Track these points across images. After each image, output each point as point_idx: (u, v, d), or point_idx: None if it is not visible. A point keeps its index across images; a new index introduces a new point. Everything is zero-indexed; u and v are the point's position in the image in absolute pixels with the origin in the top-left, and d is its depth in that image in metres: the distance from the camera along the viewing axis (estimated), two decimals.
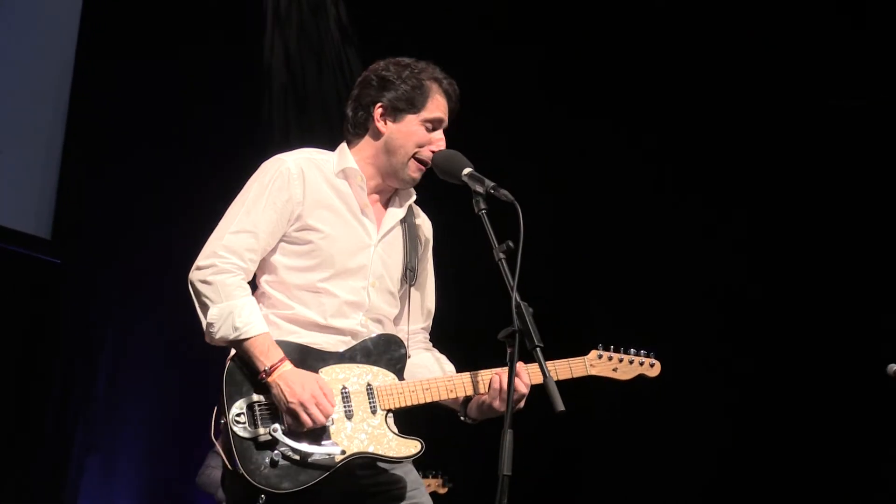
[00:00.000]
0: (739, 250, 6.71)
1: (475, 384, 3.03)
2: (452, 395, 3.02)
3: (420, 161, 3.09)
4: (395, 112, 3.09)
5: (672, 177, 6.89)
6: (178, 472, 5.45)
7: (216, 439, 2.91)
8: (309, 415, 2.81)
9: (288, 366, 2.86)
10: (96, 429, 5.27)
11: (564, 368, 3.14)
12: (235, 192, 3.19)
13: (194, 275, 2.93)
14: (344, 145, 3.17)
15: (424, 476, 4.47)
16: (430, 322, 3.30)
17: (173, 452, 5.47)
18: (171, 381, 5.43)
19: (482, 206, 2.84)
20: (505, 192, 2.82)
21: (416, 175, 3.12)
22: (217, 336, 2.88)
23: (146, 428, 5.46)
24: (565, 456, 6.76)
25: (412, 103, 3.08)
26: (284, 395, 2.82)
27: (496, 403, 2.98)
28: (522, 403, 2.97)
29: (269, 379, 2.84)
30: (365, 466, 2.96)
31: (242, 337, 2.86)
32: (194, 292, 2.93)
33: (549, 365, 2.88)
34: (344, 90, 3.22)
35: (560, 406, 2.56)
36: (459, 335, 4.15)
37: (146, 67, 5.56)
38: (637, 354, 3.31)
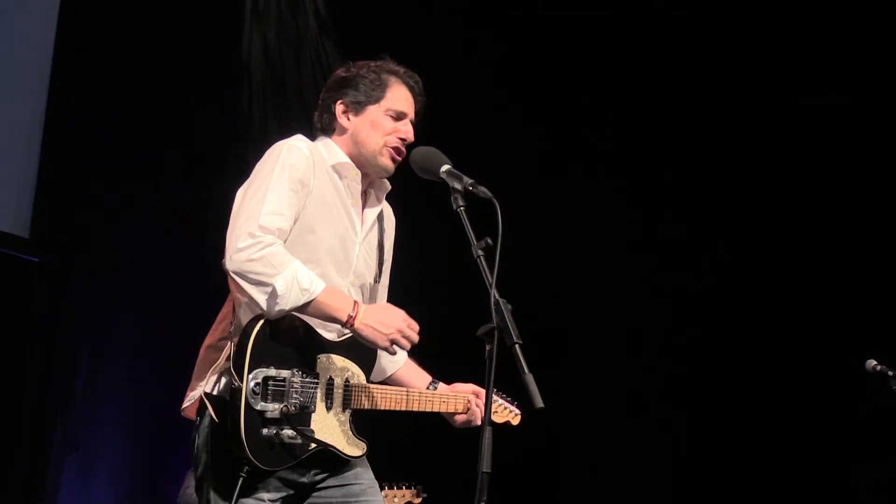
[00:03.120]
0: (710, 247, 6.73)
1: (444, 402, 3.24)
2: (415, 408, 3.18)
3: (393, 149, 3.13)
4: (356, 106, 3.14)
5: (636, 176, 6.92)
6: (159, 471, 5.43)
7: (208, 400, 2.88)
8: (406, 337, 2.94)
9: (363, 306, 2.93)
10: (75, 428, 5.25)
11: (443, 401, 3.26)
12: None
13: (238, 258, 2.83)
14: (329, 140, 3.18)
15: (398, 487, 4.47)
16: None
17: (154, 451, 5.46)
18: (151, 379, 5.41)
19: (460, 202, 2.84)
20: (483, 188, 2.83)
21: (390, 164, 3.16)
22: (288, 307, 2.84)
23: (126, 426, 5.44)
24: (544, 454, 6.77)
25: (371, 96, 3.13)
26: (381, 332, 2.91)
27: (477, 422, 3.23)
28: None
29: (356, 325, 2.91)
30: (327, 457, 3.01)
31: (313, 297, 2.86)
32: (241, 275, 2.83)
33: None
34: (323, 83, 3.23)
35: (539, 403, 2.57)
36: (442, 332, 4.15)
37: (125, 64, 5.54)
38: (510, 402, 3.44)
